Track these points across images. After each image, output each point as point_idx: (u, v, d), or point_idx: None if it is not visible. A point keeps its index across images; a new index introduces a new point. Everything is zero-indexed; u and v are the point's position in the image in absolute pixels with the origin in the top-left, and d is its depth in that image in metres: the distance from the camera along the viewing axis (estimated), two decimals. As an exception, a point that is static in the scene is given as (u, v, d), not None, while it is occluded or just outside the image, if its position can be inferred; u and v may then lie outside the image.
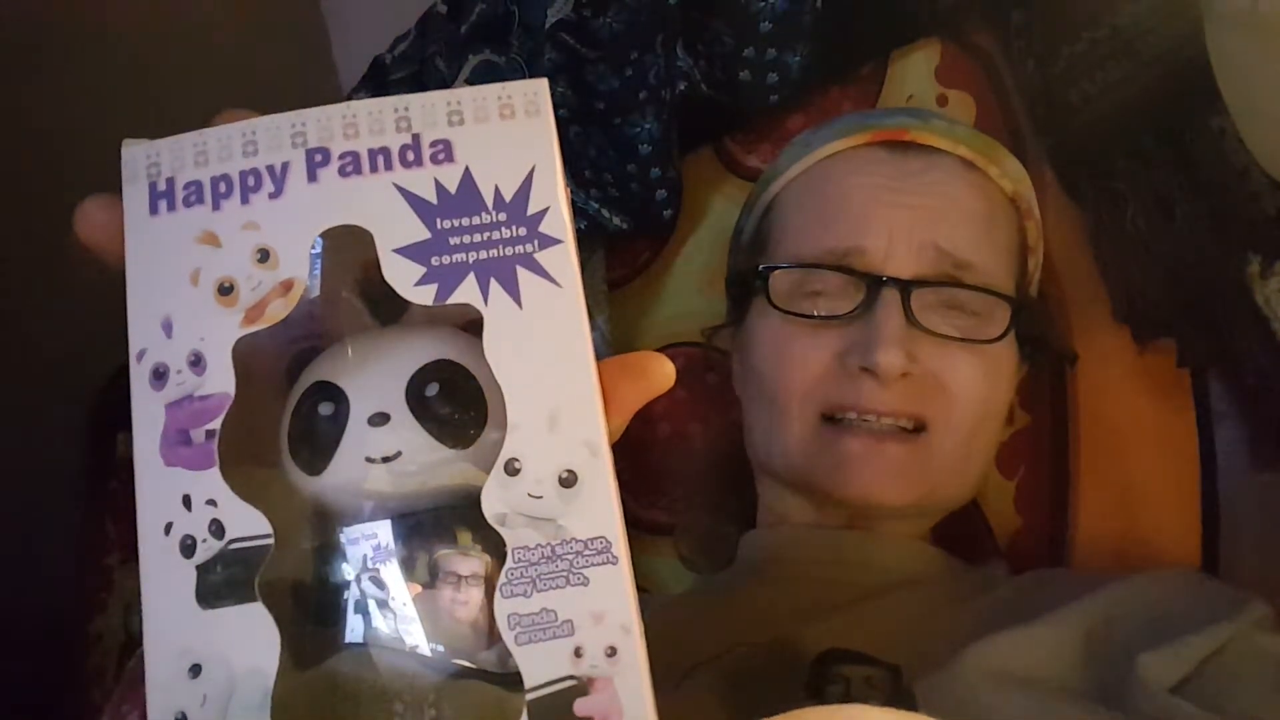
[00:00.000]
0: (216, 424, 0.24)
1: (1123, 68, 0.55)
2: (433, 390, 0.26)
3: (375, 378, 0.26)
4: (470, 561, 0.26)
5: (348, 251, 0.27)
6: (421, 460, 0.26)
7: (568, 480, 0.24)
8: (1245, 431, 0.54)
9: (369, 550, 0.26)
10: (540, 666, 0.23)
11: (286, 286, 0.25)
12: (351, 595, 0.26)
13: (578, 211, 0.72)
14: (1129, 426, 0.57)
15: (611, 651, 0.23)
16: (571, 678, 0.23)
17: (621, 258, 0.76)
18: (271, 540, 0.24)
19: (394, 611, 0.25)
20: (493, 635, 0.25)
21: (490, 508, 0.24)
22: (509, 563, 0.24)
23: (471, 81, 0.78)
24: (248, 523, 0.24)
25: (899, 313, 0.48)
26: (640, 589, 0.27)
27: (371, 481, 0.26)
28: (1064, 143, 0.57)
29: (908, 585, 0.49)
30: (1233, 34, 0.42)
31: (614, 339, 0.72)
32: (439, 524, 0.26)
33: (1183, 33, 0.51)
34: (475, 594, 0.25)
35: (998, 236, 0.53)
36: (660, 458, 0.71)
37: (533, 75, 0.76)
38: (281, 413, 0.27)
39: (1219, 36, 0.43)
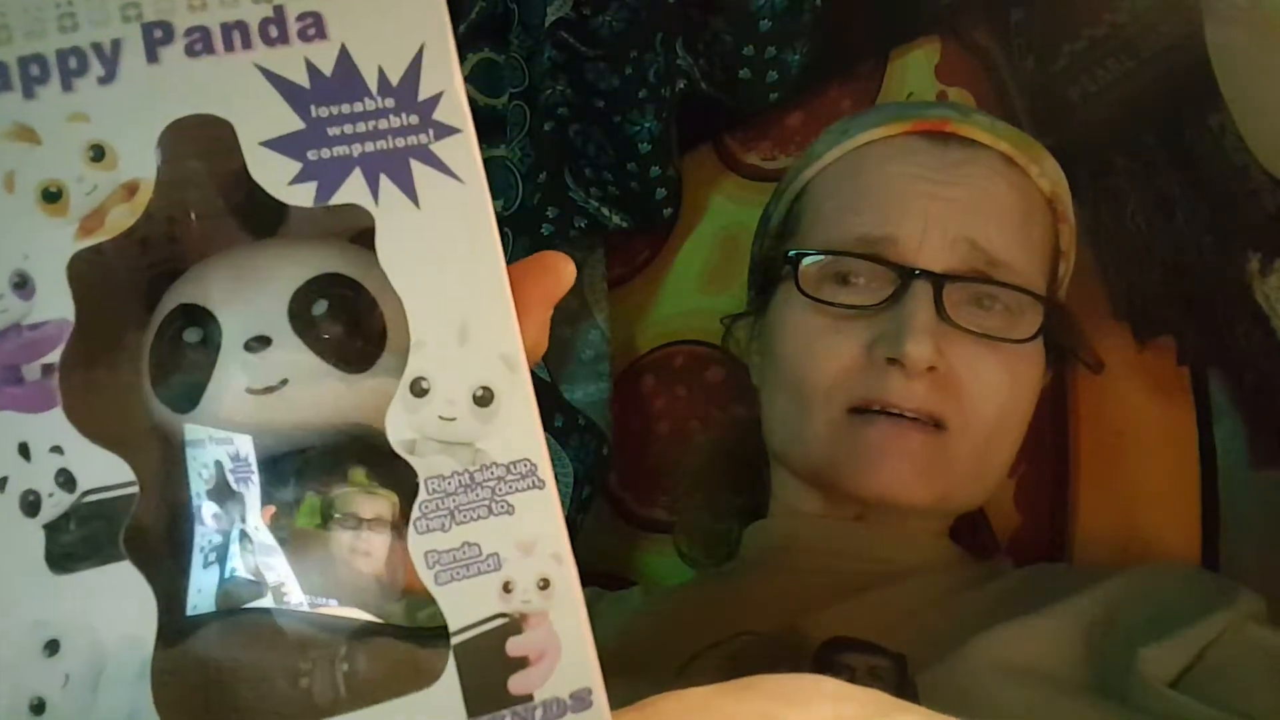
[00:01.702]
0: (55, 356, 0.20)
1: (1123, 65, 0.55)
2: (321, 308, 0.23)
3: (251, 297, 0.23)
4: (373, 502, 0.22)
5: (206, 150, 0.23)
6: (311, 388, 0.22)
7: (483, 398, 0.21)
8: (1245, 429, 0.54)
9: (251, 497, 0.22)
10: (465, 606, 0.20)
11: (130, 189, 0.21)
12: (234, 550, 0.22)
13: (577, 209, 0.71)
14: (1129, 424, 0.58)
15: (544, 584, 0.21)
16: (501, 615, 0.20)
17: (621, 256, 0.75)
18: (136, 489, 0.20)
19: (284, 565, 0.22)
20: (401, 585, 0.22)
21: (396, 434, 0.21)
22: (422, 494, 0.21)
23: (471, 80, 0.77)
24: (104, 470, 0.20)
25: (930, 305, 0.47)
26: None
27: (253, 416, 0.22)
28: (1064, 140, 0.56)
29: (914, 574, 0.49)
30: (1233, 31, 0.42)
31: (613, 337, 0.71)
32: (333, 462, 0.23)
33: (1183, 30, 0.51)
34: (378, 540, 0.22)
35: (1033, 236, 0.52)
36: (659, 455, 0.70)
37: (532, 74, 0.74)
38: (140, 345, 0.23)
39: (1219, 33, 0.43)
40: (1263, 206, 0.50)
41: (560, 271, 0.24)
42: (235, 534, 0.22)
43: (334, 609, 0.22)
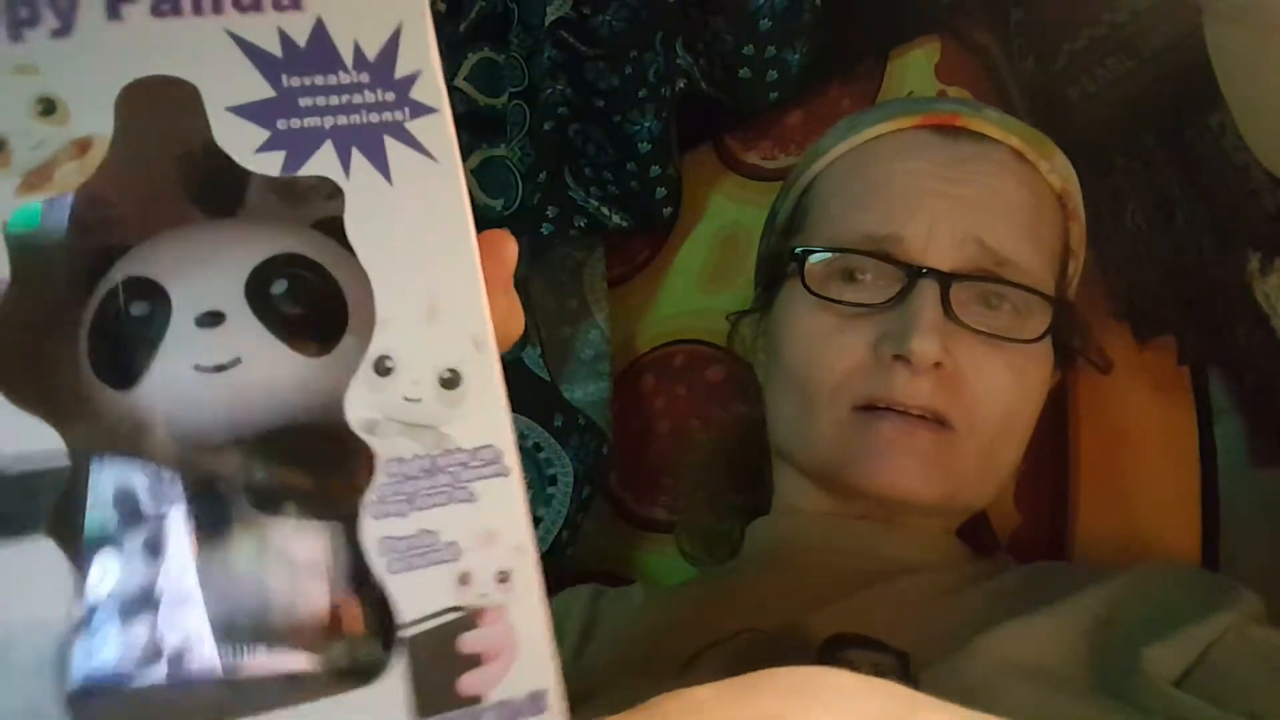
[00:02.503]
0: (-14, 314, 0.19)
1: (1123, 65, 0.54)
2: (280, 287, 0.22)
3: (205, 272, 0.22)
4: (307, 537, 0.21)
5: (166, 120, 0.22)
6: (265, 369, 0.21)
7: (450, 380, 0.20)
8: (1245, 428, 0.53)
9: (171, 526, 0.20)
10: (417, 597, 0.19)
11: (82, 146, 0.20)
12: (140, 599, 0.20)
13: (577, 209, 0.71)
14: (1129, 423, 0.57)
15: (504, 577, 0.20)
16: (456, 609, 0.19)
17: (620, 256, 0.74)
18: (66, 462, 0.19)
19: (199, 618, 0.20)
20: (342, 627, 0.21)
21: (356, 413, 0.20)
22: (380, 478, 0.20)
23: (471, 80, 0.76)
24: (29, 437, 0.19)
25: (936, 303, 0.46)
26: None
27: (200, 395, 0.21)
28: (1063, 140, 0.55)
29: (918, 572, 0.48)
30: (1233, 30, 0.42)
31: (613, 337, 0.71)
32: (282, 450, 0.21)
33: (1183, 29, 0.51)
34: (315, 584, 0.20)
35: (1042, 234, 0.51)
36: (659, 455, 0.70)
37: (532, 73, 0.74)
38: (78, 321, 0.22)
39: (1219, 32, 0.43)
40: (1263, 206, 0.50)
41: (509, 250, 0.23)
42: (141, 580, 0.20)
43: (259, 660, 0.20)
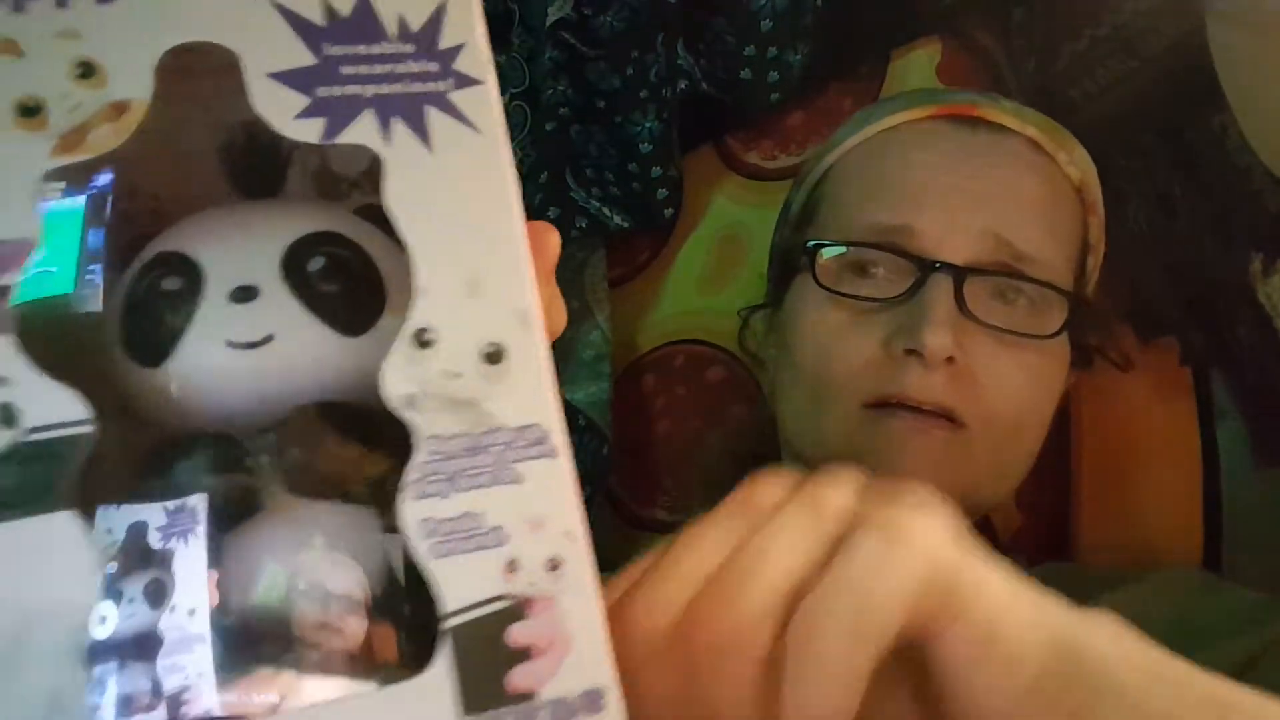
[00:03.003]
0: (13, 279, 0.18)
1: (1125, 65, 0.54)
2: (316, 264, 0.21)
3: (240, 247, 0.21)
4: (340, 570, 0.19)
5: (204, 88, 0.21)
6: (300, 346, 0.20)
7: (494, 355, 0.19)
8: (1248, 428, 0.53)
9: (188, 563, 0.19)
10: (463, 585, 0.18)
11: (119, 110, 0.19)
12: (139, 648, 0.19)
13: (579, 210, 0.70)
14: (1131, 424, 0.56)
15: (554, 565, 0.19)
16: (503, 598, 0.18)
17: (621, 256, 0.73)
18: (91, 428, 0.18)
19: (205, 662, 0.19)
20: (377, 661, 0.20)
21: (394, 388, 0.19)
22: (420, 456, 0.19)
23: None
24: (55, 405, 0.18)
25: (949, 297, 0.45)
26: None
27: (231, 371, 0.20)
28: None
29: None
30: (1234, 30, 0.41)
31: (614, 336, 0.70)
32: (316, 430, 0.20)
33: (1184, 30, 0.50)
34: (351, 617, 0.19)
35: (1061, 227, 0.49)
36: (660, 455, 0.69)
37: (533, 74, 0.73)
38: (110, 298, 0.21)
39: (1221, 33, 0.42)
40: (1265, 207, 0.49)
41: (547, 240, 0.22)
42: (146, 623, 0.19)
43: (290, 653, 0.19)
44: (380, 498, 0.19)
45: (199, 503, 0.19)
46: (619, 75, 0.70)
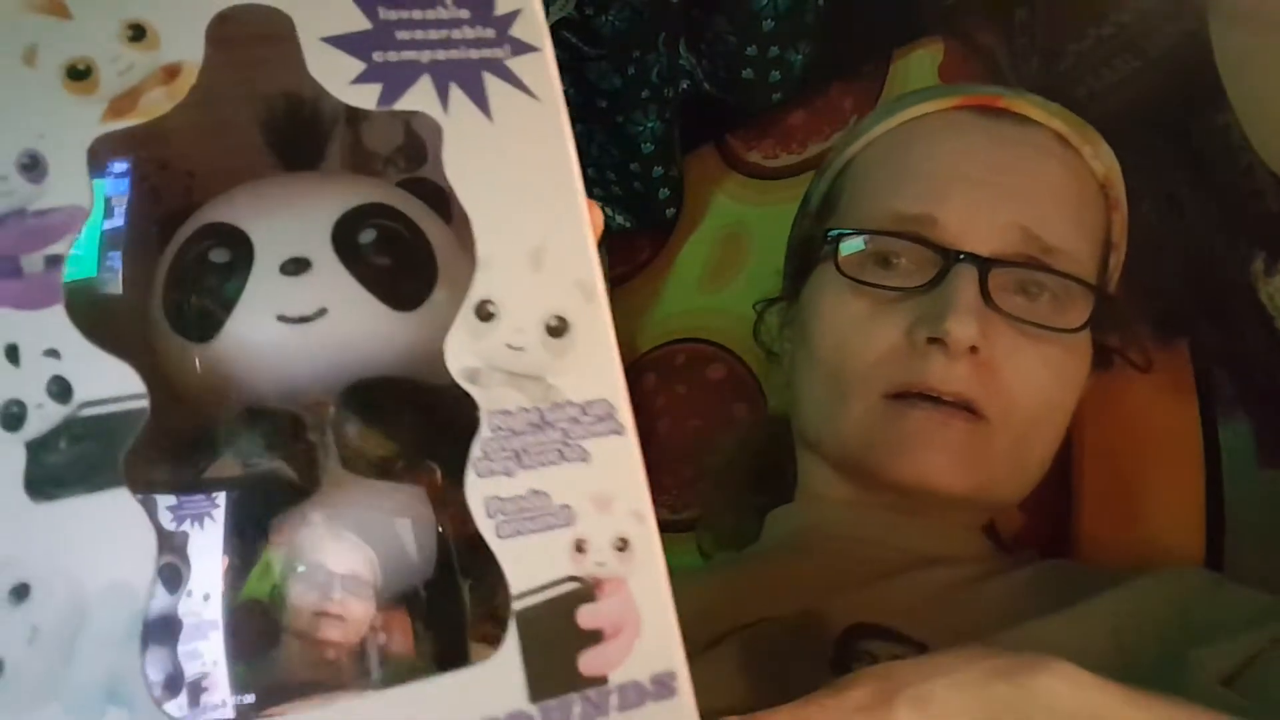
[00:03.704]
0: (63, 248, 0.17)
1: (1130, 65, 0.54)
2: (368, 236, 0.20)
3: (290, 218, 0.20)
4: (344, 550, 0.19)
5: (255, 53, 0.20)
6: (354, 321, 0.19)
7: (557, 329, 0.19)
8: (1252, 428, 0.52)
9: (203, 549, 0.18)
10: (531, 566, 0.17)
11: (171, 73, 0.18)
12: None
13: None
14: (1133, 423, 0.56)
15: (623, 545, 0.18)
16: (573, 579, 0.18)
17: (622, 255, 0.73)
18: (146, 403, 0.17)
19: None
20: (385, 653, 0.19)
21: (457, 361, 0.18)
22: (484, 432, 0.18)
23: None
24: (108, 379, 0.17)
25: (974, 287, 0.44)
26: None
27: (283, 346, 0.19)
28: None
29: (940, 564, 0.46)
30: (1237, 30, 0.41)
31: (615, 336, 0.69)
32: (374, 406, 0.20)
33: (1188, 29, 0.50)
34: (354, 604, 0.18)
35: (1086, 222, 0.49)
36: (660, 454, 0.68)
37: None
38: (152, 273, 0.20)
39: (1223, 32, 0.42)
40: (1267, 206, 0.49)
41: (597, 218, 0.22)
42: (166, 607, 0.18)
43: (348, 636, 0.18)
44: (446, 476, 0.18)
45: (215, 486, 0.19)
46: (620, 75, 0.70)
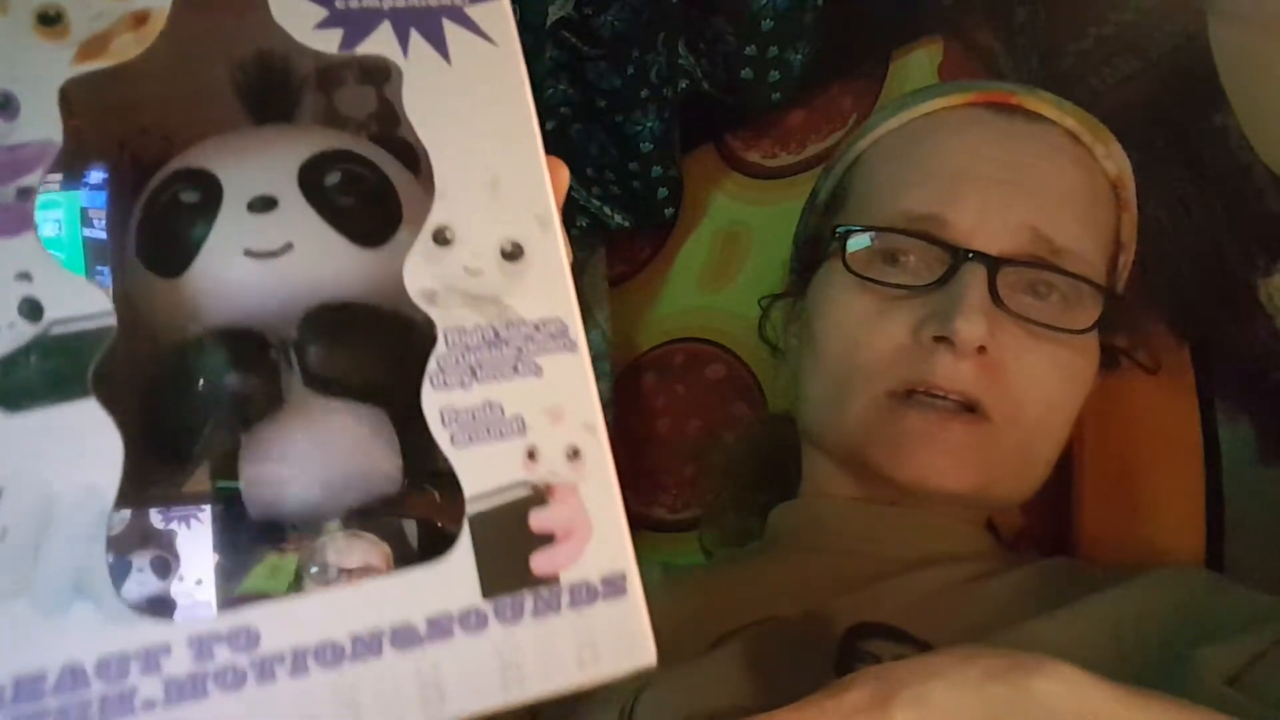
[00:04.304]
0: (34, 179, 0.18)
1: (1130, 65, 0.54)
2: (333, 179, 0.21)
3: (258, 161, 0.21)
4: (359, 548, 0.19)
5: (218, 31, 0.22)
6: (318, 256, 0.20)
7: (512, 253, 0.19)
8: (1252, 427, 0.52)
9: (232, 364, 0.20)
10: (484, 472, 0.18)
11: (140, 19, 0.20)
12: (210, 428, 0.19)
13: (579, 209, 0.70)
14: (1133, 422, 0.56)
15: (574, 454, 0.19)
16: (524, 484, 0.18)
17: (622, 254, 0.74)
18: (113, 321, 0.18)
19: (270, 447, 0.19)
20: (404, 501, 0.20)
21: (415, 283, 0.19)
22: (440, 348, 0.19)
23: None
24: (77, 298, 0.18)
25: (983, 286, 0.44)
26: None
27: (250, 280, 0.20)
28: None
29: (943, 562, 0.46)
30: (1236, 30, 0.42)
31: (614, 335, 0.70)
32: (336, 329, 0.20)
33: (1189, 29, 0.50)
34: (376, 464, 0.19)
35: (1096, 222, 0.48)
36: (660, 454, 0.69)
37: (534, 74, 0.75)
38: (127, 218, 0.21)
39: (1222, 32, 0.43)
40: (1267, 206, 0.49)
41: (558, 175, 0.22)
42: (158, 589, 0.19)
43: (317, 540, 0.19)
44: (396, 395, 0.19)
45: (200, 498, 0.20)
46: (620, 75, 0.71)
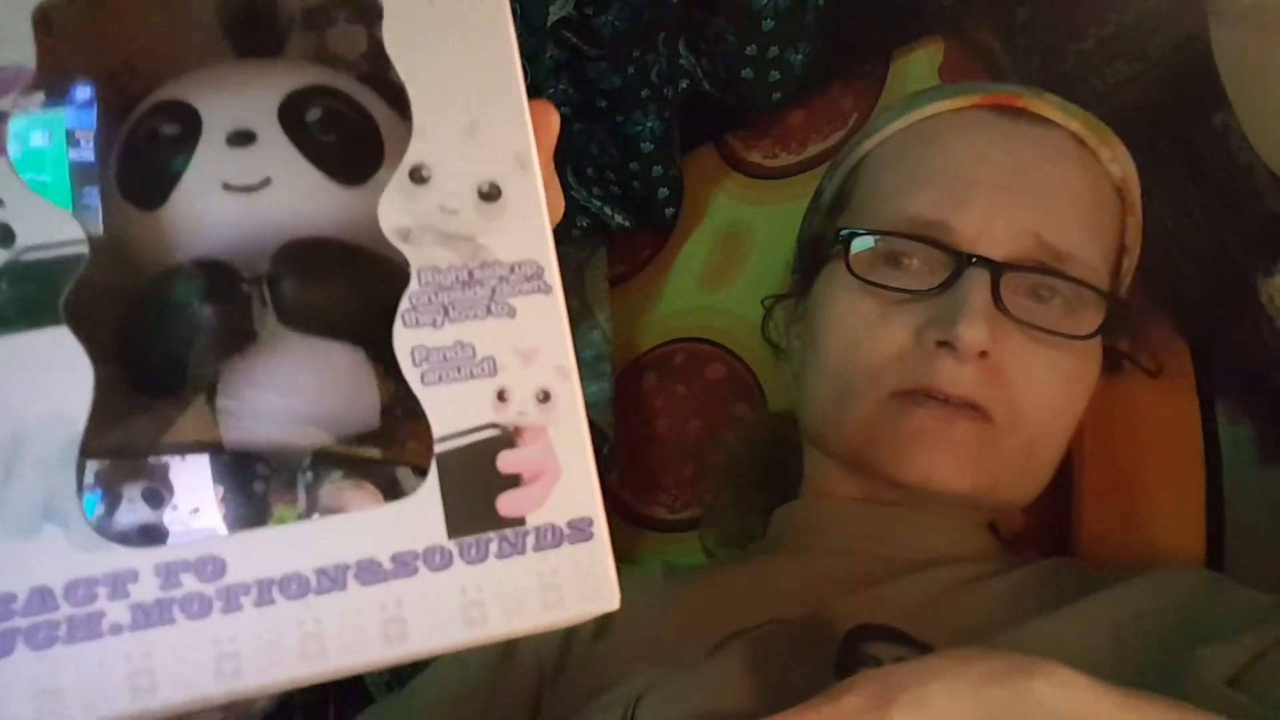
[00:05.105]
0: (7, 105, 0.18)
1: (1131, 67, 0.54)
2: (314, 115, 0.21)
3: (238, 95, 0.21)
4: (333, 354, 0.19)
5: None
6: (297, 192, 0.20)
7: (490, 194, 0.19)
8: (1252, 427, 0.52)
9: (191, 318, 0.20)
10: (453, 412, 0.18)
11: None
12: (195, 357, 0.19)
13: (580, 209, 0.70)
14: (1133, 422, 0.55)
15: (544, 397, 0.18)
16: (493, 426, 0.18)
17: (622, 254, 0.74)
18: (85, 249, 0.18)
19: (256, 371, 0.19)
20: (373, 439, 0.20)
21: (390, 221, 0.19)
22: (413, 286, 0.18)
23: None
24: (49, 225, 0.18)
25: (986, 291, 0.44)
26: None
27: (227, 214, 0.20)
28: None
29: (946, 563, 0.46)
30: (1236, 30, 0.42)
31: (615, 335, 0.70)
32: (310, 264, 0.20)
33: (1189, 30, 0.50)
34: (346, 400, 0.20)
35: (1101, 225, 0.49)
36: (660, 454, 0.68)
37: (535, 73, 0.74)
38: (109, 149, 0.21)
39: (1223, 33, 0.43)
40: (1267, 207, 0.49)
41: (548, 121, 0.22)
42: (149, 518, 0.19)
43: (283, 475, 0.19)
44: (372, 334, 0.19)
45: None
46: (620, 74, 0.71)
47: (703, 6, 0.70)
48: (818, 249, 0.53)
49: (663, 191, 0.71)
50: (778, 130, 0.72)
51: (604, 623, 0.51)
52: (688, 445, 0.68)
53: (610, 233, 0.72)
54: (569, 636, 0.52)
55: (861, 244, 0.48)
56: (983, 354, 0.44)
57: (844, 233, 0.48)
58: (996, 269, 0.44)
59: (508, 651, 0.50)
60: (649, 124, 0.70)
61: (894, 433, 0.45)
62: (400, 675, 0.62)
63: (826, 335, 0.49)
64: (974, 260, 0.44)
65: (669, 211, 0.71)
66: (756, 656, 0.40)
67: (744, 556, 0.54)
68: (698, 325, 0.70)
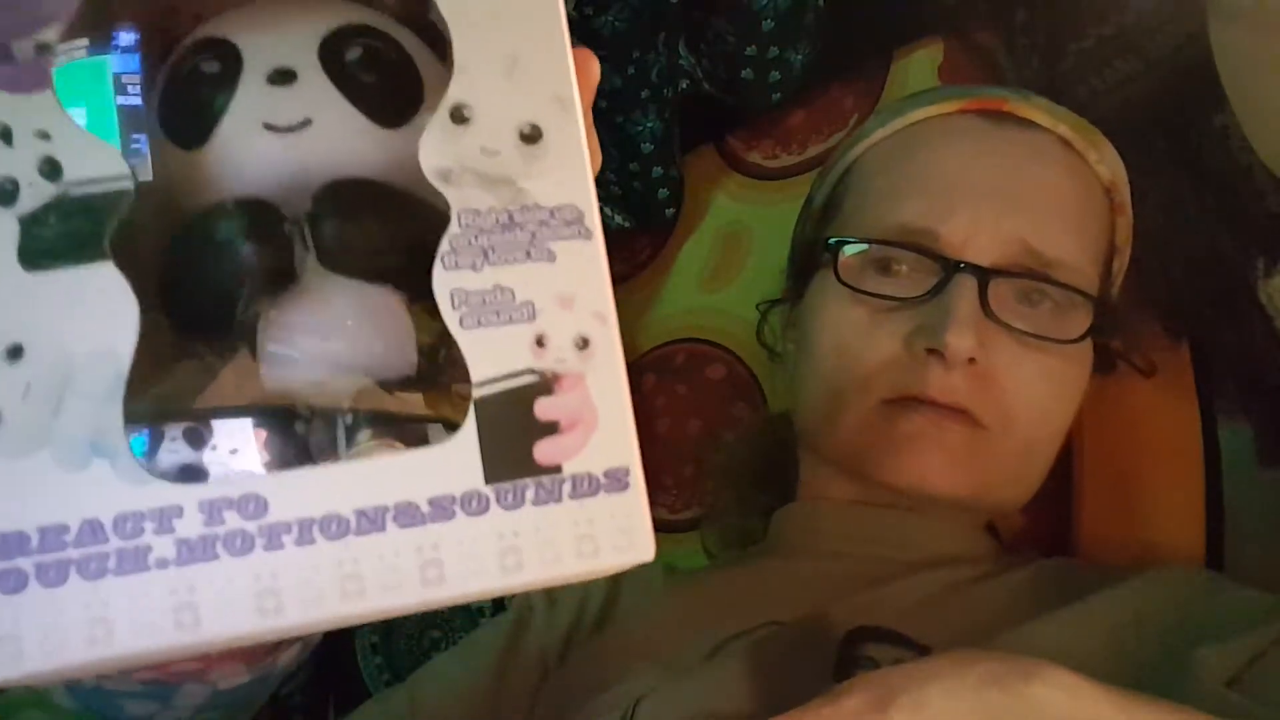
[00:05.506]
0: (51, 35, 0.18)
1: (1131, 66, 0.54)
2: (355, 54, 0.21)
3: (279, 33, 0.21)
4: (372, 296, 0.19)
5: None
6: (337, 133, 0.20)
7: (531, 135, 0.19)
8: (1252, 428, 0.52)
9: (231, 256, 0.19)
10: (491, 356, 0.18)
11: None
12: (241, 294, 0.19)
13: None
14: (1132, 423, 0.56)
15: (583, 343, 0.18)
16: (531, 372, 0.18)
17: (622, 254, 0.74)
18: (130, 183, 0.18)
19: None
20: (410, 382, 0.20)
21: (430, 161, 0.19)
22: (453, 228, 0.18)
23: None
24: (96, 160, 0.18)
25: (974, 297, 0.44)
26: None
27: (268, 154, 0.20)
28: None
29: (944, 564, 0.46)
30: (1236, 30, 0.42)
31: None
32: (351, 205, 0.20)
33: (1189, 30, 0.51)
34: (384, 342, 0.20)
35: (1089, 228, 0.49)
36: (660, 454, 0.68)
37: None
38: (150, 86, 0.21)
39: (1223, 33, 0.43)
40: (1267, 207, 0.50)
41: (589, 68, 0.22)
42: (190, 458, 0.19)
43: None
44: (412, 277, 0.19)
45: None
46: (620, 75, 0.71)
47: (703, 6, 0.70)
48: (809, 256, 0.53)
49: (663, 192, 0.71)
50: (778, 131, 0.72)
51: (605, 619, 0.50)
52: (688, 445, 0.68)
53: (610, 233, 0.72)
54: (571, 630, 0.51)
55: (850, 252, 0.48)
56: (971, 360, 0.44)
57: (832, 241, 0.49)
58: (984, 275, 0.45)
59: (513, 644, 0.50)
60: (649, 124, 0.70)
61: (886, 437, 0.45)
62: (400, 675, 0.61)
63: (818, 343, 0.49)
64: (961, 267, 0.45)
65: (669, 212, 0.71)
66: (755, 659, 0.40)
67: (743, 558, 0.54)
68: (698, 325, 0.70)
